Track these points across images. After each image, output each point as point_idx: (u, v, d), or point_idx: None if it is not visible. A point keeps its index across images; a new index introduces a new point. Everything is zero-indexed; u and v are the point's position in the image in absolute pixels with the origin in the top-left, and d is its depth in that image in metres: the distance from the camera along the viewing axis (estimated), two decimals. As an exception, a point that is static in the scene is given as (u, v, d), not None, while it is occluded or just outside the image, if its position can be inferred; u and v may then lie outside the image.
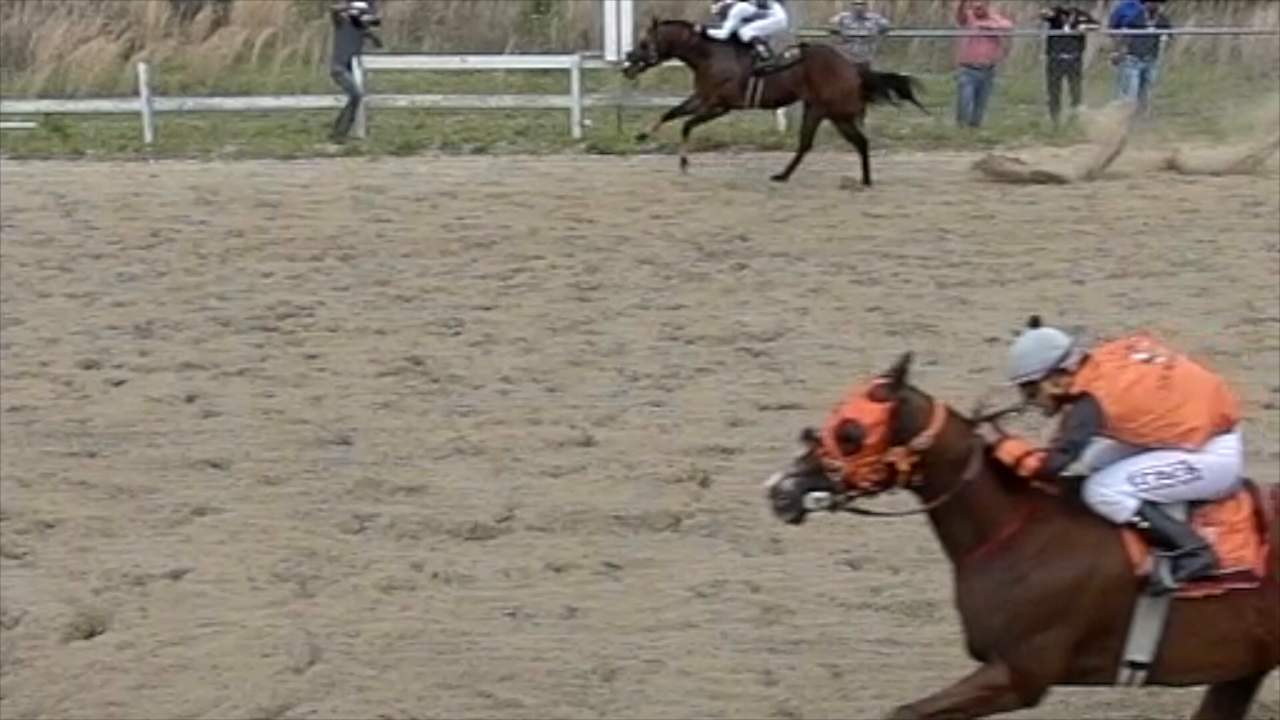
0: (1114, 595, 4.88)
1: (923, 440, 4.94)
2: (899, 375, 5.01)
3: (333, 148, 17.77)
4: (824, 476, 4.94)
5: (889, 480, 4.97)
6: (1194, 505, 4.93)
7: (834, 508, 5.00)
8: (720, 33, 15.75)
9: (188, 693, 5.93)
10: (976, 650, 5.05)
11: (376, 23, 18.78)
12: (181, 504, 7.70)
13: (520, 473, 8.17)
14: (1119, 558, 4.90)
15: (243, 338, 10.66)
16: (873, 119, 18.72)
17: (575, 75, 18.29)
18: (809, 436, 4.99)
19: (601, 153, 17.30)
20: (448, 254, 13.04)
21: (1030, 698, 5.01)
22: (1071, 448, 4.90)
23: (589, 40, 21.15)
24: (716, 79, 15.76)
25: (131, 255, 13.08)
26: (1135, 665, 4.94)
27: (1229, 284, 11.80)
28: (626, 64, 16.41)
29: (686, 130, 16.06)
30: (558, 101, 18.55)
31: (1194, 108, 18.54)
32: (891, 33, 19.88)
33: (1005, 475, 4.97)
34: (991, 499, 4.97)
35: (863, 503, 5.07)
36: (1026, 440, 5.03)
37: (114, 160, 17.50)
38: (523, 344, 10.45)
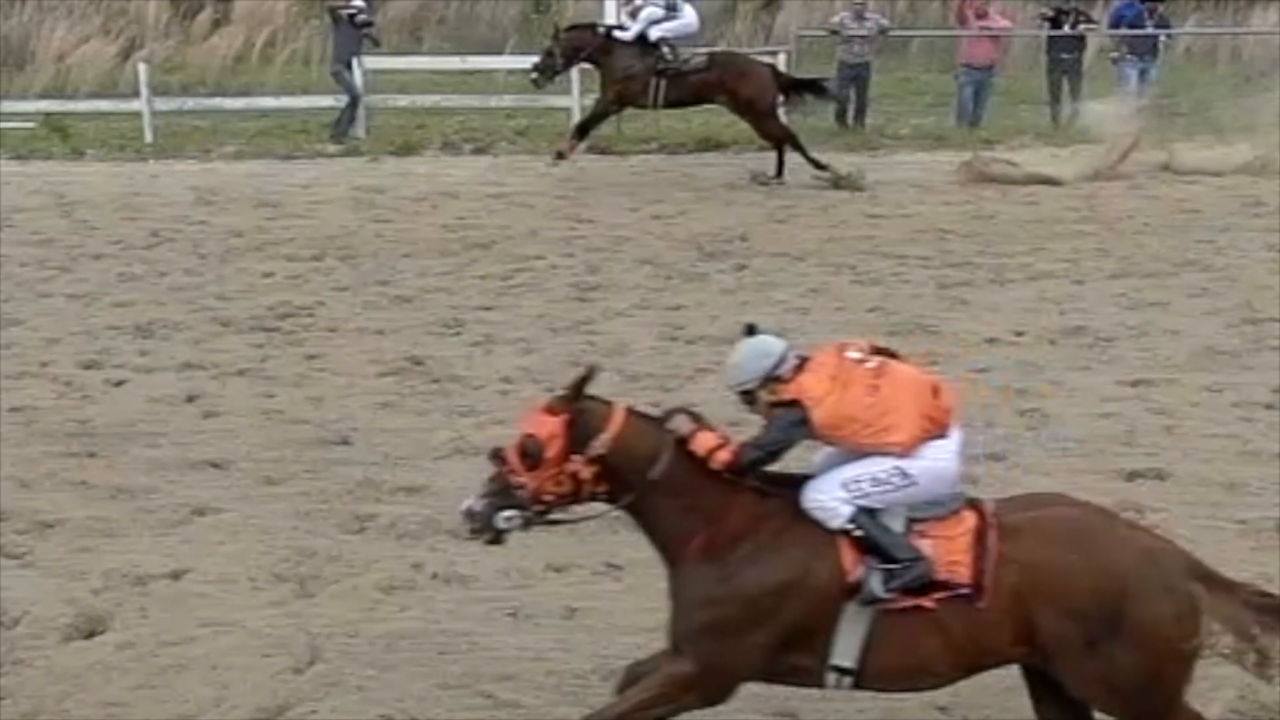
0: (822, 601, 4.86)
1: (599, 445, 4.95)
2: (578, 388, 5.04)
3: (333, 148, 17.78)
4: (512, 494, 4.96)
5: (576, 490, 5.00)
6: (914, 518, 4.90)
7: (527, 525, 5.01)
8: (627, 34, 15.72)
9: (188, 693, 5.93)
10: (675, 644, 5.03)
11: (370, 23, 18.78)
12: (182, 504, 7.70)
13: (520, 473, 8.16)
14: (831, 564, 4.87)
15: (243, 338, 10.66)
16: (873, 120, 18.77)
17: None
18: (497, 456, 5.00)
19: (601, 153, 17.30)
20: (448, 254, 13.04)
21: (716, 695, 5.01)
22: (768, 446, 4.92)
23: (589, 40, 21.11)
24: (618, 76, 15.79)
25: (132, 255, 13.08)
26: (841, 670, 4.93)
27: (1229, 284, 11.81)
28: (534, 74, 16.32)
29: (583, 130, 16.06)
30: (558, 101, 18.55)
31: (1194, 108, 18.54)
32: (891, 33, 19.88)
33: (717, 473, 4.96)
34: (694, 494, 4.97)
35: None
36: (721, 433, 5.02)
37: (114, 160, 17.50)
38: (523, 344, 10.45)
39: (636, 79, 15.63)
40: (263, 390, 9.55)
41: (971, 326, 10.74)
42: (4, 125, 18.51)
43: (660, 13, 15.76)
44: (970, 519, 4.91)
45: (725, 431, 5.07)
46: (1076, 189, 15.37)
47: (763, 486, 5.00)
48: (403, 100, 19.21)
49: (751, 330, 5.22)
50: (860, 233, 13.74)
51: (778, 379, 4.98)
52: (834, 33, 19.04)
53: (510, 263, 12.69)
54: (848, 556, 4.86)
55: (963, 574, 4.82)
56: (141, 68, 19.21)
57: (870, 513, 4.87)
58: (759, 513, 4.97)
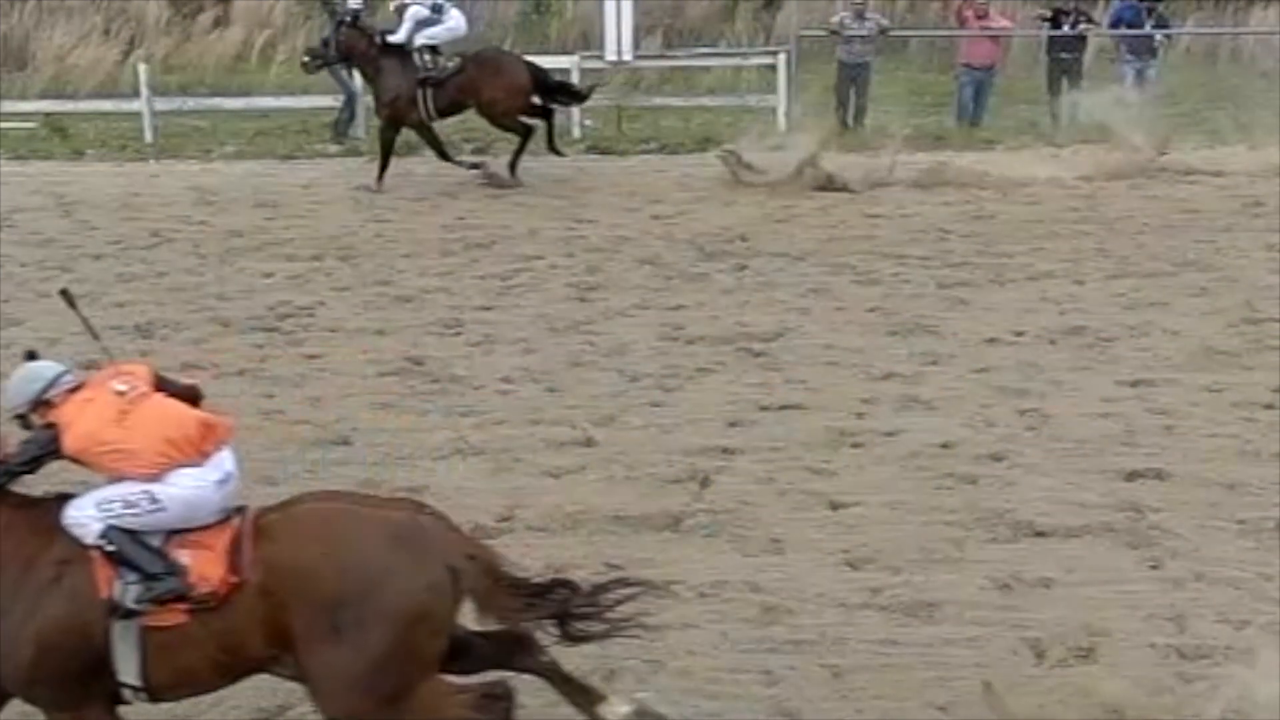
0: (84, 618, 4.92)
1: None
2: None
3: (333, 148, 17.78)
4: None
5: None
6: (175, 531, 5.01)
7: None
8: (398, 37, 15.63)
9: (188, 693, 5.91)
10: None
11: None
12: (182, 504, 7.68)
13: (520, 473, 8.18)
14: (87, 581, 4.94)
15: (243, 338, 10.66)
16: (873, 120, 18.75)
17: (575, 75, 18.27)
18: None
19: (601, 153, 17.30)
20: (448, 254, 13.04)
21: None
22: (14, 464, 5.07)
23: (589, 40, 21.14)
24: (385, 99, 15.76)
25: (132, 255, 13.08)
26: (132, 687, 5.00)
27: (1229, 284, 11.80)
28: (305, 59, 16.33)
29: (384, 152, 15.80)
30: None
31: (1194, 108, 18.54)
32: (891, 33, 19.87)
33: None
34: None
35: None
36: None
37: (114, 160, 17.50)
38: (523, 344, 10.46)
39: (403, 98, 15.55)
40: (263, 390, 9.55)
41: (971, 326, 10.74)
42: (4, 125, 18.51)
43: (425, 12, 15.63)
44: (232, 526, 5.03)
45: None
46: (1076, 189, 15.37)
47: (28, 502, 5.11)
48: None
49: (32, 356, 5.39)
50: (860, 233, 13.73)
51: (46, 403, 5.14)
52: (834, 33, 19.03)
53: (510, 263, 12.69)
54: (103, 572, 4.96)
55: (216, 581, 4.93)
56: (141, 68, 19.21)
57: (125, 530, 4.98)
58: (16, 530, 5.04)
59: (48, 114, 19.03)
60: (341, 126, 18.24)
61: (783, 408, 9.11)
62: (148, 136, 18.30)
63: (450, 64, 15.58)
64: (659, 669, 6.11)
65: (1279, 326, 10.58)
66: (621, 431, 8.78)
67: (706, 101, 19.81)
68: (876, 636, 6.38)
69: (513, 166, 15.66)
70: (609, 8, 19.35)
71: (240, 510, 5.08)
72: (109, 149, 17.93)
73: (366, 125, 18.38)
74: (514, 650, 5.27)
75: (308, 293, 11.83)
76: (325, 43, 16.09)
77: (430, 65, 15.51)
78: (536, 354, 10.23)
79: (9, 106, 19.19)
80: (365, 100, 18.45)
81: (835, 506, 7.68)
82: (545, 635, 5.22)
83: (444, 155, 15.75)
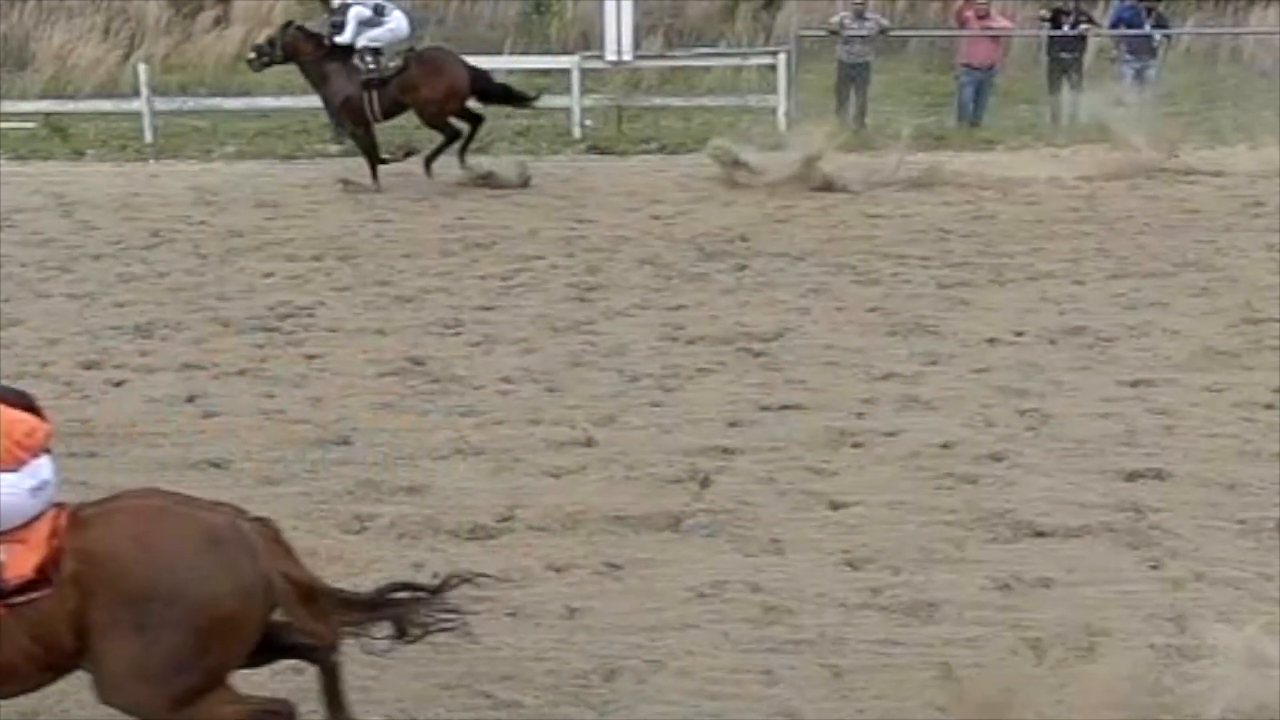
0: None
1: None
2: None
3: (333, 148, 17.79)
4: None
5: None
6: None
7: None
8: (344, 38, 15.64)
9: (188, 693, 5.92)
10: None
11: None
12: (182, 504, 7.69)
13: (520, 473, 8.17)
14: None
15: (243, 338, 10.66)
16: (874, 120, 18.76)
17: (575, 75, 18.30)
18: None
19: (601, 153, 17.31)
20: (448, 254, 13.05)
21: None
22: None
23: (589, 40, 21.17)
24: (334, 105, 15.90)
25: (132, 255, 13.09)
26: None
27: (1229, 284, 11.80)
28: (251, 57, 16.42)
29: (373, 166, 15.83)
30: (558, 101, 18.56)
31: (1194, 108, 18.55)
32: (891, 33, 19.89)
33: None
34: None
35: None
36: None
37: (114, 160, 17.51)
38: (523, 344, 10.46)
39: (353, 99, 15.63)
40: (263, 390, 9.55)
41: (971, 326, 10.74)
42: (4, 125, 18.53)
43: (368, 13, 15.68)
44: (50, 520, 4.98)
45: None
46: (1076, 189, 15.38)
47: None
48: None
49: None
50: (860, 233, 13.74)
51: None
52: (834, 33, 19.06)
53: (510, 263, 12.70)
54: None
55: (29, 571, 4.88)
56: (141, 68, 19.22)
57: None
58: None
59: (48, 114, 19.05)
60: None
61: (783, 408, 9.11)
62: (148, 136, 18.32)
63: (392, 65, 15.66)
64: (659, 669, 6.11)
65: (1279, 326, 10.58)
66: (621, 431, 8.78)
67: (706, 101, 19.84)
68: (876, 636, 6.37)
69: (428, 163, 15.68)
70: (609, 8, 19.36)
71: (59, 505, 5.04)
72: (109, 149, 17.95)
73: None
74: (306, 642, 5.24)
75: (308, 293, 11.83)
76: (271, 42, 16.13)
77: (373, 67, 15.57)
78: (536, 354, 10.23)
79: (9, 106, 19.21)
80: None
81: (835, 506, 7.67)
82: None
83: (377, 160, 15.78)
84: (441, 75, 15.67)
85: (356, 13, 15.60)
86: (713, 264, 12.61)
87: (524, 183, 15.60)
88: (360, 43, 15.56)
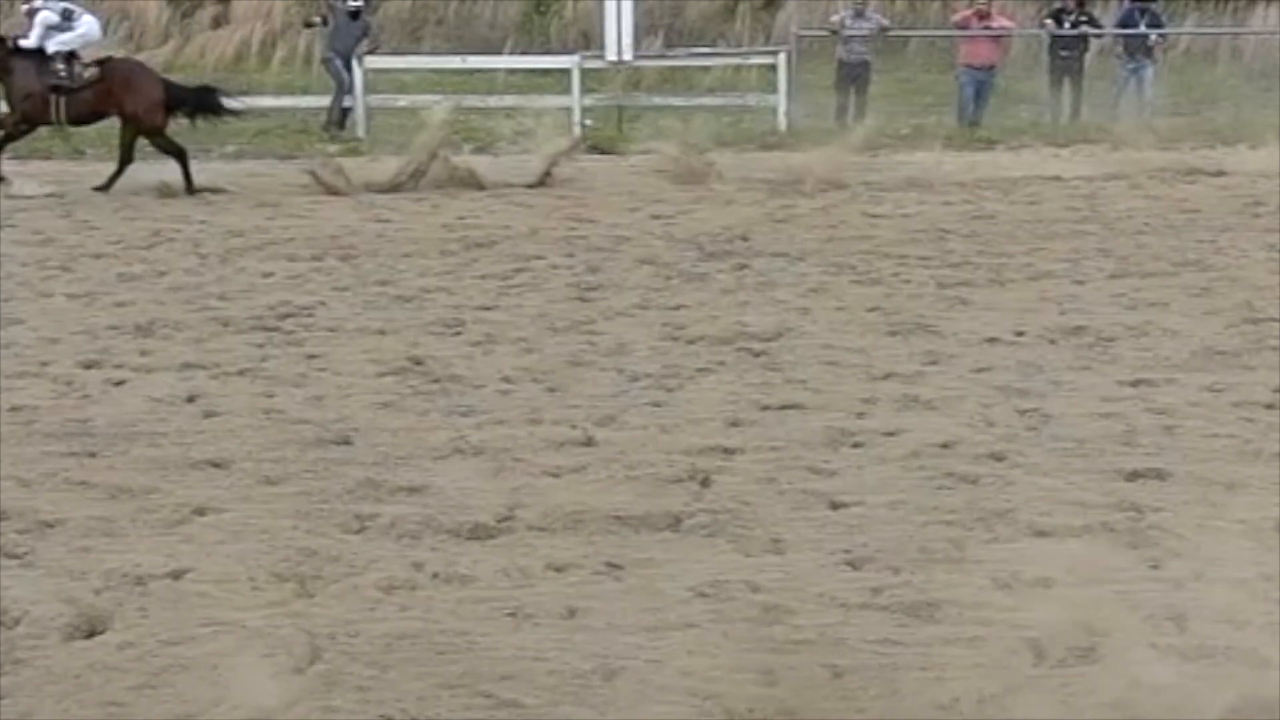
0: None
1: None
2: None
3: (333, 147, 17.80)
4: None
5: None
6: None
7: None
8: (30, 41, 15.80)
9: (188, 693, 5.92)
10: None
11: (367, 25, 18.82)
12: (182, 504, 7.69)
13: (520, 473, 8.17)
14: None
15: (243, 338, 10.66)
16: (873, 120, 18.77)
17: (575, 75, 18.32)
18: None
19: (601, 153, 17.31)
20: (448, 254, 13.05)
21: None
22: None
23: (589, 40, 21.19)
24: (18, 96, 16.01)
25: (132, 255, 13.09)
26: None
27: (1229, 284, 11.81)
28: None
29: (0, 145, 16.07)
30: (558, 101, 18.56)
31: (1194, 108, 18.56)
32: (891, 32, 19.89)
33: None
34: None
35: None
36: None
37: (114, 160, 17.49)
38: (523, 344, 10.46)
39: (36, 97, 15.81)
40: (263, 390, 9.55)
41: (971, 326, 10.74)
42: (4, 125, 18.52)
43: (55, 18, 15.83)
44: None
45: None
46: (1076, 189, 15.39)
47: None
48: (403, 100, 19.23)
49: None
50: (860, 233, 13.75)
51: None
52: (834, 32, 19.08)
53: (510, 263, 12.70)
54: None
55: None
56: (141, 68, 19.18)
57: None
58: None
59: (48, 114, 19.00)
60: (333, 116, 18.28)
61: (783, 407, 9.10)
62: (148, 136, 18.28)
63: (88, 73, 15.82)
64: (659, 669, 6.10)
65: (1279, 326, 10.58)
66: (621, 431, 8.77)
67: (706, 101, 19.84)
68: (876, 636, 6.37)
69: (187, 180, 15.82)
70: (609, 8, 19.37)
71: None
72: (109, 149, 17.93)
73: (367, 125, 18.40)
74: None
75: (308, 293, 11.83)
76: None
77: (64, 73, 15.70)
78: (536, 354, 10.23)
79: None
80: (367, 102, 18.51)
81: (835, 506, 7.67)
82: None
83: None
84: (133, 89, 16.03)
85: (44, 18, 15.91)
86: (713, 264, 12.61)
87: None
88: (51, 47, 15.75)
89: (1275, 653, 5.67)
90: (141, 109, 15.60)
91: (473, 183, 15.47)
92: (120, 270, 12.54)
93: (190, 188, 15.48)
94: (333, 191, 15.26)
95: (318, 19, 17.62)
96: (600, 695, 5.93)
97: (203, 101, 16.03)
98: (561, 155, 16.03)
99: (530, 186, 15.53)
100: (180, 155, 15.63)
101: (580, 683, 6.04)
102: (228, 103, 16.04)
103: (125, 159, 15.74)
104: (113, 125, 18.80)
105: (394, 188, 15.31)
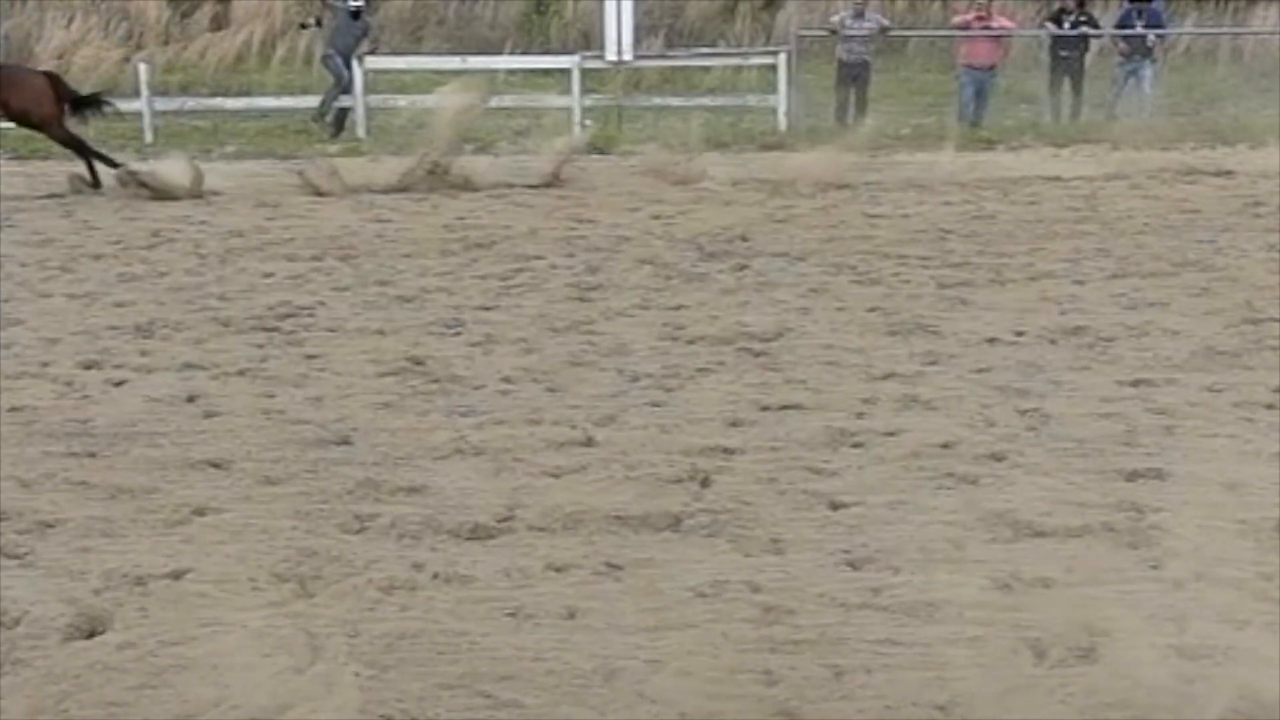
0: None
1: None
2: None
3: (332, 147, 17.80)
4: None
5: None
6: None
7: None
8: None
9: (188, 693, 5.92)
10: None
11: (367, 25, 18.85)
12: (182, 504, 7.70)
13: (520, 473, 8.17)
14: None
15: (243, 338, 10.67)
16: (873, 120, 18.78)
17: (575, 75, 18.32)
18: None
19: (601, 153, 17.32)
20: (448, 254, 13.05)
21: None
22: None
23: (589, 40, 21.21)
24: None
25: (132, 255, 13.10)
26: None
27: (1229, 284, 11.81)
28: None
29: None
30: (558, 101, 18.57)
31: (1194, 108, 18.57)
32: (891, 32, 19.90)
33: None
34: None
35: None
36: None
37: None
38: (523, 344, 10.46)
39: None
40: (263, 390, 9.55)
41: (971, 326, 10.74)
42: (4, 125, 18.52)
43: None
44: None
45: None
46: (1076, 189, 15.39)
47: None
48: (403, 100, 19.24)
49: None
50: (860, 233, 13.75)
51: None
52: (833, 32, 19.08)
53: (510, 263, 12.70)
54: None
55: None
56: (141, 68, 19.25)
57: None
58: None
59: (48, 114, 19.01)
60: (325, 107, 18.27)
61: (783, 408, 9.11)
62: (148, 136, 18.34)
63: None
64: (659, 669, 6.10)
65: (1279, 326, 10.58)
66: (621, 431, 8.78)
67: (706, 101, 19.86)
68: (876, 636, 6.37)
69: (93, 175, 15.89)
70: (609, 8, 19.38)
71: None
72: (109, 149, 17.93)
73: (367, 124, 18.40)
74: None
75: (308, 293, 11.83)
76: None
77: None
78: (536, 354, 10.23)
79: (9, 106, 19.19)
80: (366, 101, 18.51)
81: (835, 506, 7.67)
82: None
83: None
84: (19, 86, 16.19)
85: None
86: (713, 264, 12.62)
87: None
88: None
89: (1275, 653, 5.68)
90: (29, 101, 15.68)
91: (467, 186, 15.47)
92: (120, 271, 12.55)
93: (95, 182, 15.51)
94: (321, 193, 15.27)
95: (312, 20, 17.62)
96: (600, 695, 5.93)
97: (88, 98, 16.17)
98: (570, 154, 16.04)
99: (538, 186, 15.54)
100: (81, 149, 15.68)
101: (580, 683, 6.04)
102: (109, 101, 16.37)
103: (75, 149, 15.78)
104: (120, 127, 18.84)
105: (404, 187, 15.32)
